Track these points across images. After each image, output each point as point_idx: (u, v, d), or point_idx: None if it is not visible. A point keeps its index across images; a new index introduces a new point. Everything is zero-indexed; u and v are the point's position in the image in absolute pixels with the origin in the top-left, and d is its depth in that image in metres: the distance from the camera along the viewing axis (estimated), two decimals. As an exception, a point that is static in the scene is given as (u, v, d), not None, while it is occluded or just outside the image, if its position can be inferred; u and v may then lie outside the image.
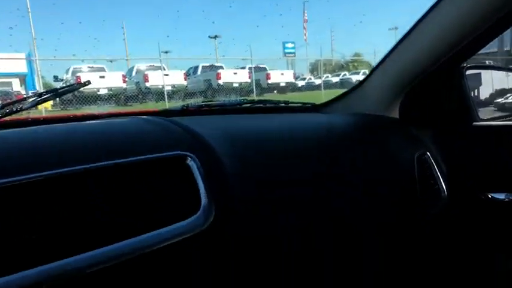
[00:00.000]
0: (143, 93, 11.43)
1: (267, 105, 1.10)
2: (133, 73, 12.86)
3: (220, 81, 12.67)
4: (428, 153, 0.87)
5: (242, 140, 0.58)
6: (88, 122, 0.65)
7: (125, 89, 11.27)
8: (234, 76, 13.23)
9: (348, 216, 0.64)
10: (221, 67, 13.91)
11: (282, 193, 0.56)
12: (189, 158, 0.46)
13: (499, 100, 1.18)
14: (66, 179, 0.39)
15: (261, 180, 0.54)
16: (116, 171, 0.41)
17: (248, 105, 1.02)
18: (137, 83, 11.83)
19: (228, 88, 12.54)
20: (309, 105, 1.07)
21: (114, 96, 10.53)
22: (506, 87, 1.16)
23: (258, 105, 1.05)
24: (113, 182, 0.41)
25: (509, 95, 1.22)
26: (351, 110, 0.95)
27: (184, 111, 0.91)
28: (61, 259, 0.34)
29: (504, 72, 1.10)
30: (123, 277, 0.38)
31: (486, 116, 0.96)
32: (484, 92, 1.04)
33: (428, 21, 0.75)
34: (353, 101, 0.96)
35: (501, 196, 0.85)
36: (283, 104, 1.09)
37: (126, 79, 11.40)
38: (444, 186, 0.86)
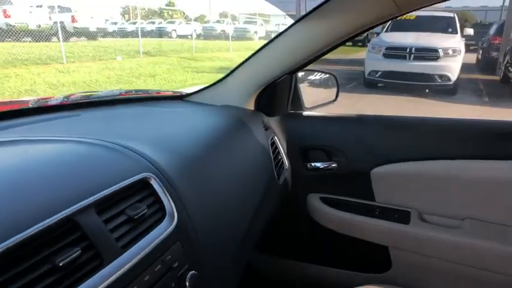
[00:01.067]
0: None
1: (138, 95, 1.19)
2: None
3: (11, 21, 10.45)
4: (275, 136, 1.17)
5: (169, 150, 0.71)
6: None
7: None
8: (29, 15, 11.10)
9: (230, 191, 0.85)
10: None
11: (213, 187, 0.74)
12: (153, 179, 0.59)
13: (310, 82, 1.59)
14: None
15: (198, 180, 0.71)
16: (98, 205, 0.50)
17: (119, 96, 1.09)
18: None
19: (22, 30, 10.48)
20: (179, 94, 1.22)
21: None
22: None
23: (128, 96, 1.13)
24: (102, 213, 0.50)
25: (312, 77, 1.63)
26: (217, 101, 1.15)
27: (65, 106, 0.93)
28: None
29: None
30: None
31: (309, 105, 1.33)
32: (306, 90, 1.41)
33: (285, 39, 1.01)
34: (219, 92, 1.16)
35: (318, 164, 1.25)
36: (154, 94, 1.20)
37: None
38: (286, 160, 1.20)
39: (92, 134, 0.68)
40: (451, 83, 6.85)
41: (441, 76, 6.88)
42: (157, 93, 1.27)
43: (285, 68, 1.05)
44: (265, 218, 1.00)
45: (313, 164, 1.25)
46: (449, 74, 6.80)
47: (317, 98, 1.38)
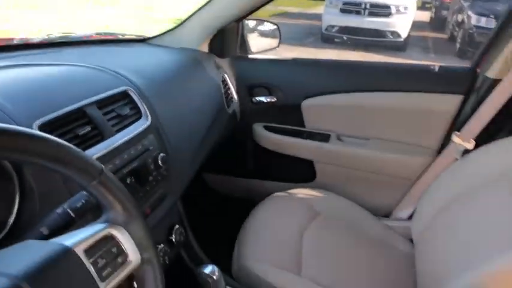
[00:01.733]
0: None
1: (107, 37, 1.39)
2: None
3: None
4: (225, 74, 1.43)
5: (140, 74, 0.95)
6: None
7: None
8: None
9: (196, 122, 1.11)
10: None
11: (175, 105, 1.00)
12: (131, 91, 0.84)
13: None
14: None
15: (164, 98, 0.96)
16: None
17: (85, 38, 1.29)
18: None
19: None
20: (142, 38, 1.42)
21: None
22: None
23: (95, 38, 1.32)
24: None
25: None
26: (175, 44, 1.37)
27: (45, 44, 1.13)
28: None
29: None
30: None
31: (255, 51, 1.58)
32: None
33: None
34: (177, 37, 1.38)
35: (261, 98, 1.53)
36: (120, 37, 1.40)
37: None
38: (235, 95, 1.47)
39: (77, 62, 0.91)
40: (402, 39, 7.26)
41: (392, 33, 7.26)
42: (123, 36, 1.47)
43: (233, 15, 1.29)
44: (216, 137, 1.28)
45: (257, 99, 1.53)
46: (399, 31, 7.19)
47: (264, 45, 1.63)
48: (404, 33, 7.22)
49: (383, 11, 7.12)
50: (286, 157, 1.52)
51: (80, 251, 0.43)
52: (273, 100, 1.52)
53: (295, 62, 1.55)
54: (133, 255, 0.49)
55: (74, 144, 0.44)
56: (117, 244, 0.48)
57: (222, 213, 1.62)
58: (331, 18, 7.48)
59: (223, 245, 1.19)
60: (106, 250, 0.46)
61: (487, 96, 1.20)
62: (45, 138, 0.40)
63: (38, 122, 0.62)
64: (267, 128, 1.54)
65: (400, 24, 7.16)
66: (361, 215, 1.31)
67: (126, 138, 0.76)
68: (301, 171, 1.53)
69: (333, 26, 7.49)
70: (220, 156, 1.44)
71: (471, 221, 0.91)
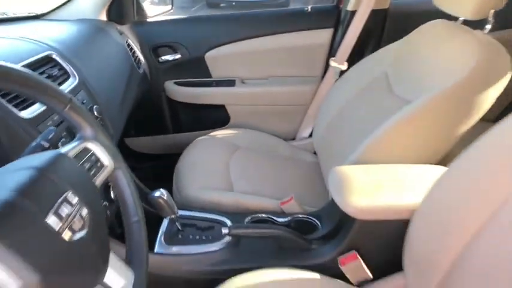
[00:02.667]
0: None
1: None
2: None
3: None
4: (129, 39, 1.52)
5: (57, 42, 1.02)
6: None
7: None
8: None
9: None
10: None
11: (94, 67, 1.09)
12: (55, 54, 0.92)
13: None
14: None
15: (84, 61, 1.05)
16: None
17: None
18: None
19: None
20: (34, 14, 1.43)
21: None
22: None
23: None
24: None
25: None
26: (73, 17, 1.42)
27: None
28: None
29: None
30: None
31: (152, 15, 1.68)
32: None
33: None
34: (73, 9, 1.42)
35: (167, 57, 1.66)
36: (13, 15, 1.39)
37: None
38: (141, 57, 1.57)
39: None
40: (283, -2, 7.70)
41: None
42: (13, 14, 1.45)
43: None
44: (133, 94, 1.39)
45: (163, 58, 1.66)
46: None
47: (158, 10, 1.74)
48: (284, -9, 7.64)
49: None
50: (200, 107, 1.70)
51: (71, 156, 0.57)
52: (177, 57, 1.66)
53: (191, 19, 1.69)
54: (107, 162, 0.64)
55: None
56: (94, 154, 0.62)
57: (150, 170, 1.76)
58: (214, -18, 7.55)
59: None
60: (87, 158, 0.60)
61: (349, 25, 1.51)
62: (26, 72, 0.52)
63: None
64: (177, 83, 1.68)
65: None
66: (273, 142, 1.57)
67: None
68: (216, 117, 1.73)
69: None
70: (138, 118, 1.56)
71: (354, 118, 1.21)
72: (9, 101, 0.72)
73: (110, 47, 1.35)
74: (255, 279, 0.84)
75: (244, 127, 1.66)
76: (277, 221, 1.09)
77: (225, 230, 0.97)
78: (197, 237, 1.02)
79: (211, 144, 1.46)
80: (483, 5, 0.90)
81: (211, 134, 1.54)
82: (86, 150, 0.61)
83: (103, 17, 1.45)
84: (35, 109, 0.76)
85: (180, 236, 1.02)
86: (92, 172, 0.59)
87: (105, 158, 0.64)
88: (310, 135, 1.68)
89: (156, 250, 0.98)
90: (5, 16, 1.41)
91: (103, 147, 0.64)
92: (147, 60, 1.61)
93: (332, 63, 1.56)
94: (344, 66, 1.54)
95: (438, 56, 1.02)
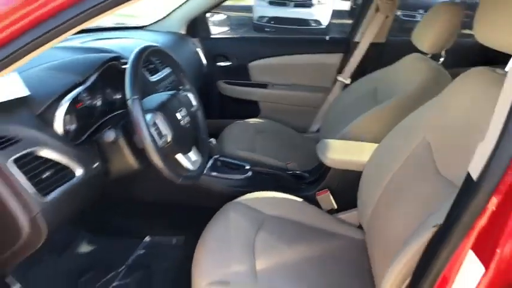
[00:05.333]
0: None
1: (114, 26, 2.09)
2: None
3: None
4: (198, 48, 2.19)
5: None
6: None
7: None
8: None
9: None
10: None
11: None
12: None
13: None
14: None
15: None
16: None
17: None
18: None
19: None
20: (140, 26, 2.14)
21: None
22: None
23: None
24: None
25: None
26: (164, 29, 2.11)
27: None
28: None
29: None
30: None
31: (214, 32, 2.36)
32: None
33: None
34: (165, 25, 2.12)
35: (222, 64, 2.31)
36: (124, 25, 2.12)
37: None
38: (204, 61, 2.24)
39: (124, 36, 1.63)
40: (323, 26, 8.38)
41: (315, 21, 8.36)
42: (124, 24, 2.18)
43: (201, 9, 2.07)
44: (198, 84, 2.04)
45: (219, 64, 2.32)
46: (320, 19, 8.30)
47: (218, 29, 2.42)
48: (325, 21, 8.34)
49: (306, 2, 8.16)
50: (241, 100, 2.33)
51: (181, 95, 1.21)
52: (229, 64, 2.31)
53: (242, 38, 2.36)
54: (195, 103, 1.27)
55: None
56: (187, 96, 1.26)
57: None
58: (261, 9, 8.36)
59: None
60: (186, 100, 1.24)
61: (354, 51, 2.11)
62: (168, 52, 1.17)
63: None
64: (226, 82, 2.33)
65: (321, 14, 8.26)
66: (290, 133, 2.17)
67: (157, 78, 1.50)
68: (251, 109, 2.35)
69: (262, 17, 8.38)
70: None
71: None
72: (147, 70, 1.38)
73: (186, 51, 2.02)
74: (261, 195, 1.40)
75: (269, 119, 2.27)
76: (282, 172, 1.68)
77: (247, 167, 1.57)
78: (229, 170, 1.62)
79: (245, 127, 2.08)
80: (436, 43, 1.44)
81: (246, 120, 2.16)
82: (186, 96, 1.25)
83: (183, 31, 2.14)
84: (157, 76, 1.41)
85: (219, 167, 1.61)
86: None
87: (194, 100, 1.27)
88: (318, 130, 2.25)
89: (204, 172, 1.59)
90: (122, 25, 2.13)
91: (192, 94, 1.27)
92: (208, 64, 2.28)
93: (339, 78, 2.15)
94: (348, 81, 2.13)
95: (401, 75, 1.58)
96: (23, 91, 0.90)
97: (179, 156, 1.12)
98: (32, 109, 0.93)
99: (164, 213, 1.62)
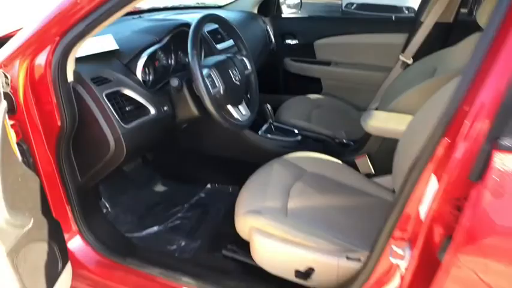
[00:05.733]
0: None
1: (196, 5, 2.41)
2: None
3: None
4: (267, 25, 2.41)
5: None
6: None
7: None
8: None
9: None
10: None
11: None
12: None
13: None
14: None
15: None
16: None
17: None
18: None
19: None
20: (218, 6, 2.43)
21: None
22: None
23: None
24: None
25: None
26: (240, 8, 2.36)
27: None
28: None
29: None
30: None
31: (285, 12, 2.55)
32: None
33: None
34: (239, 4, 2.37)
35: (289, 41, 2.50)
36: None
37: None
38: (273, 39, 2.45)
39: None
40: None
41: (408, 8, 7.96)
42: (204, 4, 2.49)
43: None
44: (262, 63, 2.26)
45: (287, 41, 2.51)
46: (414, 6, 7.89)
47: (291, 10, 2.60)
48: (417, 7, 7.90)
49: (397, -13, 7.81)
50: (304, 77, 2.50)
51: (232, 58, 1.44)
52: (295, 42, 2.49)
53: (310, 17, 2.52)
54: (249, 67, 1.50)
55: None
56: (243, 60, 1.49)
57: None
58: (350, -4, 8.23)
59: None
60: (242, 63, 1.48)
61: (417, 31, 2.13)
62: (230, 22, 1.41)
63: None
64: (292, 60, 2.52)
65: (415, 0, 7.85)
66: (347, 108, 2.28)
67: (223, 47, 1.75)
68: (314, 86, 2.51)
69: (352, 4, 8.22)
70: (261, 78, 2.45)
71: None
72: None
73: (255, 28, 2.25)
74: (305, 155, 1.58)
75: (331, 96, 2.40)
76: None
77: (296, 131, 1.76)
78: (281, 134, 1.83)
79: (304, 101, 2.25)
80: None
81: (307, 95, 2.33)
82: (242, 60, 1.48)
83: (255, 10, 2.38)
84: (223, 44, 1.66)
85: (273, 131, 1.83)
86: None
87: (248, 65, 1.50)
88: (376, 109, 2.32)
89: (260, 134, 1.81)
90: (202, 5, 2.45)
91: (247, 59, 1.50)
92: (276, 42, 2.49)
93: (401, 57, 2.19)
94: (410, 61, 2.16)
95: (462, 55, 1.57)
96: (114, 46, 1.23)
97: (230, 107, 1.36)
98: (121, 59, 1.25)
99: (224, 166, 1.89)
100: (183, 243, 1.59)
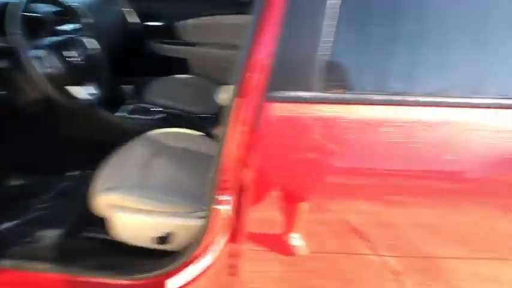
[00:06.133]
0: None
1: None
2: None
3: None
4: (130, 8, 2.36)
5: None
6: None
7: None
8: None
9: None
10: None
11: None
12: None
13: None
14: None
15: None
16: None
17: None
18: None
19: None
20: None
21: None
22: None
23: None
24: None
25: None
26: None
27: None
28: None
29: None
30: None
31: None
32: None
33: None
34: None
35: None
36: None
37: None
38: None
39: None
40: None
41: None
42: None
43: None
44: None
45: (152, 23, 2.49)
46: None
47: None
48: None
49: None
50: (171, 58, 2.55)
51: None
52: (161, 23, 2.50)
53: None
54: None
55: None
56: None
57: None
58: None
59: None
60: None
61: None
62: None
63: None
64: (158, 41, 2.53)
65: None
66: (213, 86, 2.38)
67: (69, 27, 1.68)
68: (182, 67, 2.56)
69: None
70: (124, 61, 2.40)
71: None
72: None
73: (113, 9, 2.19)
74: (166, 130, 1.60)
75: (198, 75, 2.48)
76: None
77: (160, 109, 1.80)
78: (145, 113, 1.84)
79: (170, 81, 2.29)
80: None
81: (173, 76, 2.36)
82: (80, 40, 1.44)
83: None
84: (66, 26, 1.59)
85: (136, 111, 1.83)
86: None
87: (89, 45, 1.47)
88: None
89: (121, 114, 1.80)
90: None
91: (88, 39, 1.47)
92: (138, 24, 2.46)
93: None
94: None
95: None
96: None
97: (73, 86, 1.34)
98: None
99: (83, 151, 1.83)
100: (43, 233, 1.53)
